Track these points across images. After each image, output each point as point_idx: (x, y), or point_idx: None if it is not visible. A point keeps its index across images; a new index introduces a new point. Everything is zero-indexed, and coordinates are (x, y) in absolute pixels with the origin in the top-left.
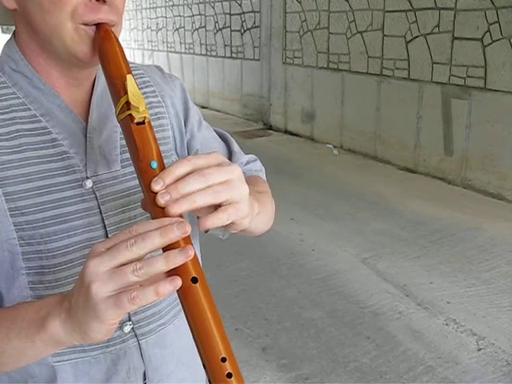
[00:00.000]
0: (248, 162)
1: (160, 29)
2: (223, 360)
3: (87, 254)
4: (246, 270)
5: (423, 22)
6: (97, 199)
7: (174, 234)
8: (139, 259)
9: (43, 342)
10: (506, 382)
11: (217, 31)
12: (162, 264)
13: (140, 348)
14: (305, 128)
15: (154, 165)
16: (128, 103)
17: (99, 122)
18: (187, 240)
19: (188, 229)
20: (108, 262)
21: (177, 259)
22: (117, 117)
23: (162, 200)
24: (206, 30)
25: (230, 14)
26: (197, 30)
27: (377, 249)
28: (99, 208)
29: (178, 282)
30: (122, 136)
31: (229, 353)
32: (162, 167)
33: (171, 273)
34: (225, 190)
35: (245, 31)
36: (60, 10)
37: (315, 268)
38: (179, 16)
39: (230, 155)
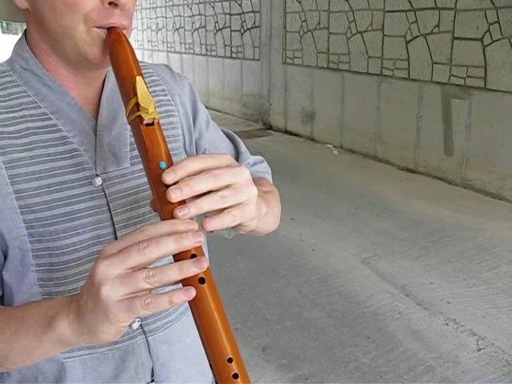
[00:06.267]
0: (255, 163)
1: (160, 29)
2: (230, 361)
3: (97, 254)
4: (245, 270)
5: (423, 21)
6: (106, 197)
7: (189, 243)
8: (150, 263)
9: (51, 341)
10: (506, 382)
11: (217, 31)
12: (175, 274)
13: (148, 344)
14: (305, 128)
15: (163, 165)
16: (137, 105)
17: (109, 120)
18: (199, 247)
19: (202, 239)
20: (119, 265)
21: (190, 270)
22: (127, 118)
23: (173, 195)
24: (206, 30)
25: (230, 14)
26: (197, 29)
27: (377, 249)
28: (108, 206)
29: (192, 292)
30: (132, 134)
31: (235, 353)
32: None
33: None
34: (232, 194)
35: (245, 31)
36: (73, 12)
37: (315, 268)
38: (179, 16)
39: (238, 156)
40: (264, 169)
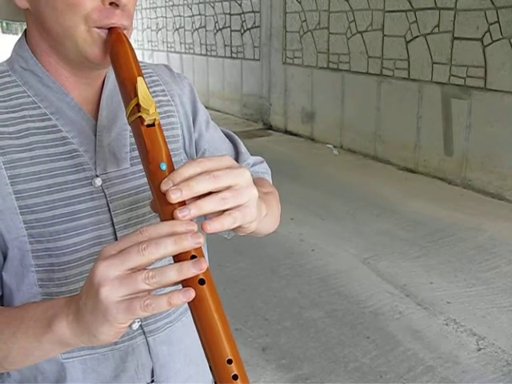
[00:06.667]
0: (255, 164)
1: (160, 29)
2: (229, 362)
3: (97, 255)
4: (245, 270)
5: (423, 21)
6: (106, 197)
7: (189, 244)
8: (149, 264)
9: (50, 342)
10: (506, 382)
11: (217, 31)
12: (175, 275)
13: (148, 345)
14: (305, 128)
15: (164, 167)
16: (138, 105)
17: (109, 121)
18: (198, 248)
19: (202, 240)
20: (118, 266)
21: (190, 271)
22: (127, 119)
23: (173, 196)
24: (206, 30)
25: (230, 14)
26: (197, 29)
27: (377, 249)
28: (108, 206)
29: (191, 293)
30: (132, 134)
31: (235, 354)
32: (172, 169)
33: None
34: (233, 196)
35: (245, 31)
36: (74, 13)
37: (315, 268)
38: (179, 16)
39: (237, 156)
40: (264, 169)
